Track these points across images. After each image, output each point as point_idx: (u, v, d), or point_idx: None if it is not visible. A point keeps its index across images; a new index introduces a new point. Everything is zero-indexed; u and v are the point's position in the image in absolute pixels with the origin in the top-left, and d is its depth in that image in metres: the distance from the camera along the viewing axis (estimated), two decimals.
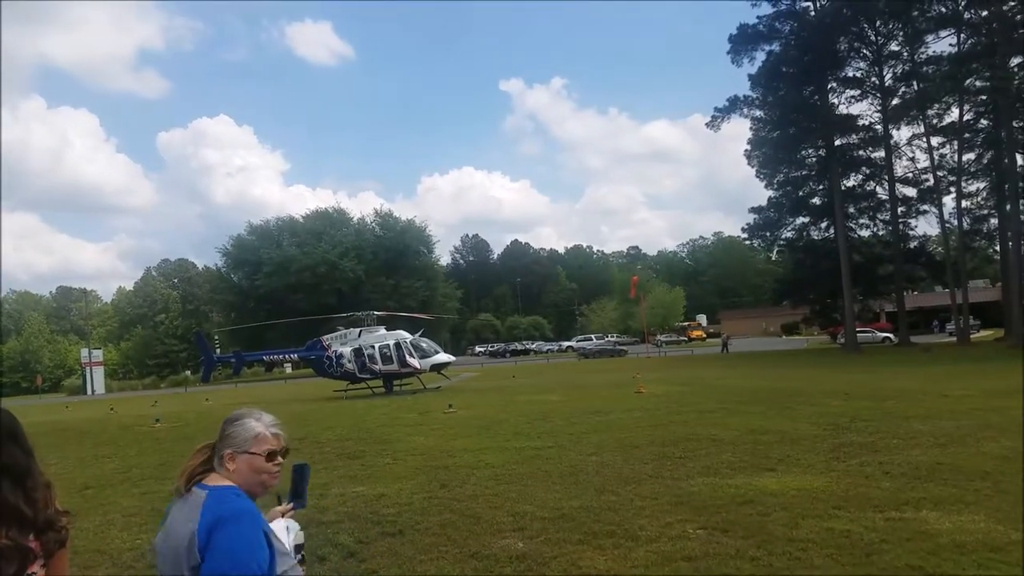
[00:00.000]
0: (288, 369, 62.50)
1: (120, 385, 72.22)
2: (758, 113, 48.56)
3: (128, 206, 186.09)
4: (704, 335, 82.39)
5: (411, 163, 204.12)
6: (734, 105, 47.85)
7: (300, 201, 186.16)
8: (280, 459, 2.16)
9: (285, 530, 2.21)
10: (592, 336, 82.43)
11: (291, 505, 2.50)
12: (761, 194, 76.73)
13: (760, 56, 46.53)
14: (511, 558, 5.73)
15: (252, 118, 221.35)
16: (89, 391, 64.44)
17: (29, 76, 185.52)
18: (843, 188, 46.55)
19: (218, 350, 49.60)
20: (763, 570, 5.10)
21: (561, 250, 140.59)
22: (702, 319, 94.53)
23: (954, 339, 45.28)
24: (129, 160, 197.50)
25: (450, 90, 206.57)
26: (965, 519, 6.00)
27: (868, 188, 48.87)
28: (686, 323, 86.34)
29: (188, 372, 70.69)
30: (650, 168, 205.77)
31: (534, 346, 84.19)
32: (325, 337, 31.02)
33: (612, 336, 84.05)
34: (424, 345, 30.04)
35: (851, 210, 47.81)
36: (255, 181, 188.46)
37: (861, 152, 47.93)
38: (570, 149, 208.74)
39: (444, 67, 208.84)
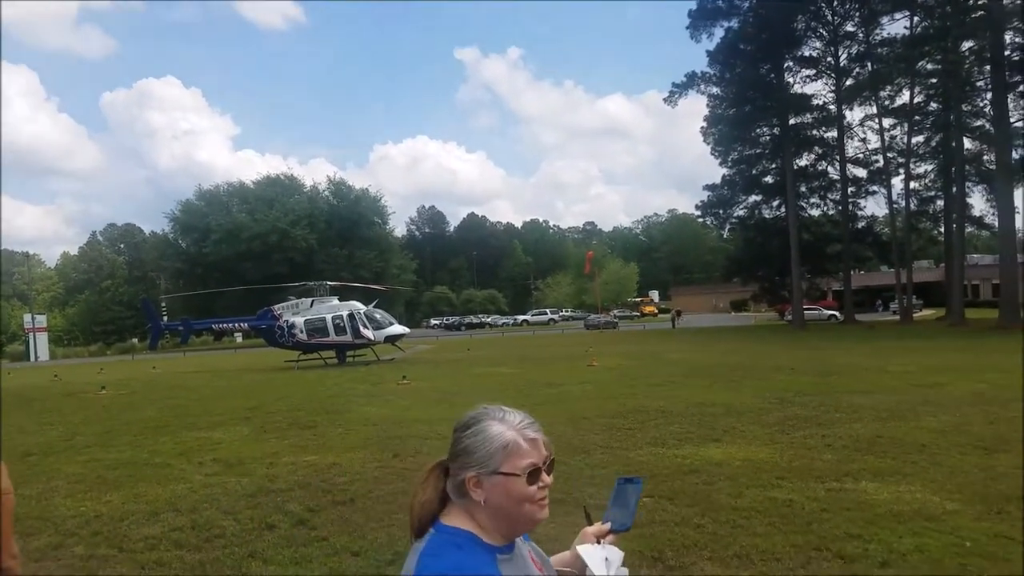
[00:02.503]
0: (238, 339, 61.38)
1: (65, 352, 70.07)
2: (715, 90, 48.93)
3: (71, 168, 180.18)
4: (656, 311, 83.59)
5: (363, 131, 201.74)
6: (692, 81, 48.07)
7: (249, 167, 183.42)
8: (547, 477, 1.43)
9: (604, 562, 1.54)
10: (547, 310, 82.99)
11: (609, 526, 1.69)
12: (715, 172, 77.84)
13: (719, 32, 46.89)
14: None
15: (201, 80, 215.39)
16: (32, 357, 62.38)
17: None
18: (795, 167, 47.29)
19: (165, 317, 48.31)
20: (707, 537, 5.20)
21: (518, 224, 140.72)
22: (654, 295, 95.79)
23: (898, 318, 46.78)
24: (72, 121, 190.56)
25: (404, 56, 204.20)
26: (902, 490, 6.21)
27: (820, 168, 49.83)
28: (639, 299, 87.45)
29: (135, 340, 68.99)
30: (605, 144, 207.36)
31: (489, 320, 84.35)
32: (276, 306, 30.50)
33: (567, 311, 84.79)
34: (378, 316, 29.81)
35: (803, 189, 48.71)
36: (202, 145, 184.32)
37: (814, 132, 48.78)
38: (525, 122, 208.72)
39: (398, 33, 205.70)
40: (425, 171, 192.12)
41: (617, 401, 12.76)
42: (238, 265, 67.96)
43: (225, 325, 36.43)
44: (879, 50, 44.51)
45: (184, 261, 75.68)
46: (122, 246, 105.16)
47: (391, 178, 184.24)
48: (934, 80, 42.53)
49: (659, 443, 8.74)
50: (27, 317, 66.79)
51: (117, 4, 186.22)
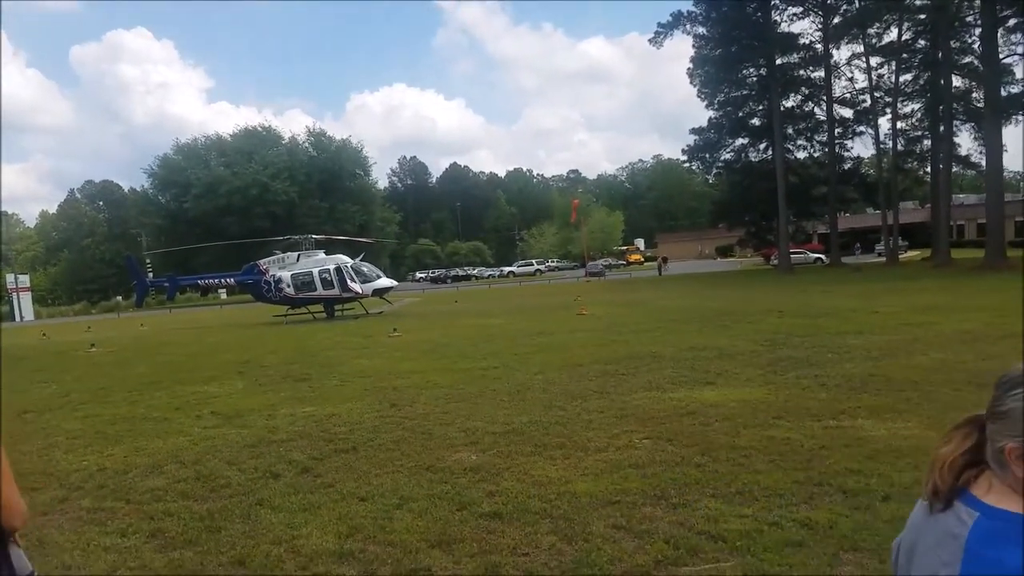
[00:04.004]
0: (223, 295, 61.05)
1: (50, 312, 69.46)
2: (701, 30, 48.18)
3: (43, 125, 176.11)
4: (642, 259, 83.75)
5: (339, 80, 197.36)
6: (677, 21, 47.33)
7: (225, 119, 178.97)
8: None
9: None
10: (533, 261, 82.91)
11: None
12: (699, 116, 77.39)
13: None
14: (465, 470, 5.82)
15: (172, 32, 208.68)
16: (17, 317, 61.95)
17: None
18: (782, 109, 46.93)
19: (150, 275, 47.93)
20: (708, 475, 5.30)
21: (501, 174, 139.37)
22: (640, 243, 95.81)
23: (884, 259, 47.17)
24: (42, 76, 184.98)
25: (379, 1, 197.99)
26: (899, 426, 6.33)
27: (807, 109, 49.49)
28: (624, 247, 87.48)
29: (119, 298, 68.45)
30: (587, 88, 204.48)
31: (475, 272, 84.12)
32: (262, 261, 30.27)
33: (553, 261, 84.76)
34: (365, 270, 29.68)
35: (789, 131, 48.46)
36: (176, 99, 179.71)
37: (801, 72, 48.39)
38: (504, 68, 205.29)
39: None
40: (404, 120, 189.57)
41: (609, 348, 12.86)
42: (219, 220, 67.27)
43: (211, 281, 36.14)
44: None
45: (165, 217, 74.77)
46: (101, 203, 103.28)
47: (369, 128, 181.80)
48: (922, 16, 41.89)
49: (654, 387, 8.83)
50: (10, 277, 66.02)
51: None
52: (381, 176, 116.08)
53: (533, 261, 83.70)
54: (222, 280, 35.22)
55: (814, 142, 49.88)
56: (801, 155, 50.82)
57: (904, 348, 10.64)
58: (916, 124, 46.37)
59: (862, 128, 47.98)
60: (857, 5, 44.51)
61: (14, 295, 63.78)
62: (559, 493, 5.09)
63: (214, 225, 66.12)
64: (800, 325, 14.43)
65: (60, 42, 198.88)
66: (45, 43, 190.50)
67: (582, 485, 5.23)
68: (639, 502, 4.81)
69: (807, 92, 48.99)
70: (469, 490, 5.30)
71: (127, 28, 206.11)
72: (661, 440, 6.33)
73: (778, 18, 47.32)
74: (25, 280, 66.59)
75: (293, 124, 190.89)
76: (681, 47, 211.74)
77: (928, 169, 46.76)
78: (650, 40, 49.44)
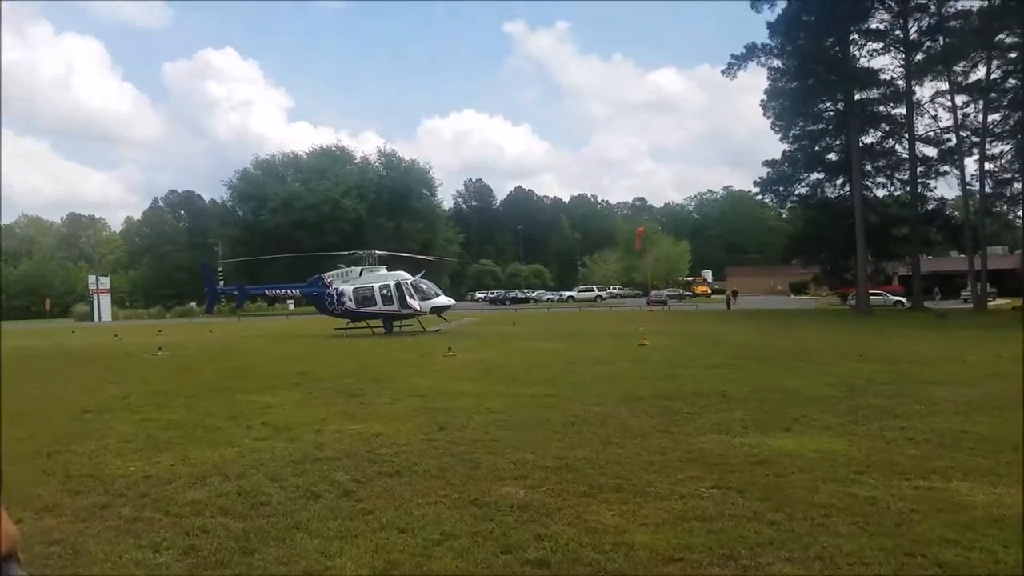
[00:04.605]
0: (291, 305, 62.39)
1: (127, 313, 72.38)
2: (776, 63, 47.16)
3: (135, 136, 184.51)
4: (709, 291, 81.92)
5: (411, 105, 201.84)
6: (751, 53, 46.40)
7: (302, 138, 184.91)
8: None
9: None
10: (594, 287, 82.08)
11: None
12: (772, 149, 75.52)
13: (781, 3, 44.98)
14: (512, 507, 5.41)
15: (258, 53, 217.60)
16: (96, 318, 64.74)
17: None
18: (861, 144, 45.26)
19: (222, 282, 49.43)
20: (783, 535, 4.76)
21: (566, 199, 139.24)
22: (708, 274, 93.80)
23: (970, 306, 44.65)
24: (135, 90, 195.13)
25: (452, 31, 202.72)
26: (1000, 492, 5.61)
27: (887, 145, 47.54)
28: (691, 278, 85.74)
29: (194, 303, 70.74)
30: (654, 118, 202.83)
31: (535, 294, 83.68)
32: (327, 274, 30.72)
33: (615, 288, 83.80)
34: (424, 287, 29.76)
35: (868, 168, 46.69)
36: (258, 116, 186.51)
37: (881, 108, 46.59)
38: (572, 96, 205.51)
39: (446, 7, 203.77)
40: (471, 144, 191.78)
41: (673, 383, 12.24)
42: (292, 233, 69.03)
43: (278, 291, 36.95)
44: (952, 23, 42.09)
45: (241, 228, 77.21)
46: (183, 212, 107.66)
47: (438, 151, 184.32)
48: (1012, 54, 39.96)
49: (722, 430, 8.23)
50: (92, 279, 69.14)
51: None
52: (447, 197, 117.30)
53: (594, 287, 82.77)
54: (288, 291, 35.93)
55: (895, 180, 47.90)
56: (881, 193, 48.92)
57: (998, 403, 9.71)
58: (1005, 166, 44.06)
59: (946, 168, 45.85)
60: (942, 42, 42.76)
61: (94, 296, 66.72)
62: (615, 543, 4.62)
63: (287, 238, 67.86)
64: (882, 371, 13.48)
65: (154, 59, 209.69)
66: (140, 59, 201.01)
67: (641, 536, 4.76)
68: (705, 561, 4.33)
69: (888, 129, 47.13)
70: (515, 531, 4.89)
71: (216, 48, 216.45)
72: (730, 491, 5.78)
73: (857, 53, 46.00)
74: (105, 282, 69.60)
75: (366, 145, 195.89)
76: (754, 79, 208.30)
77: (1019, 212, 44.33)
78: (723, 71, 48.72)
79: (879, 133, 47.52)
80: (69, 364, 18.97)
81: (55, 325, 58.19)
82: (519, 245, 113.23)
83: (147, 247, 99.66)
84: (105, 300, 68.12)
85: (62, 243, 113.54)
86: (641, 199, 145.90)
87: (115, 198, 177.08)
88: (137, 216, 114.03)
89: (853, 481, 6.00)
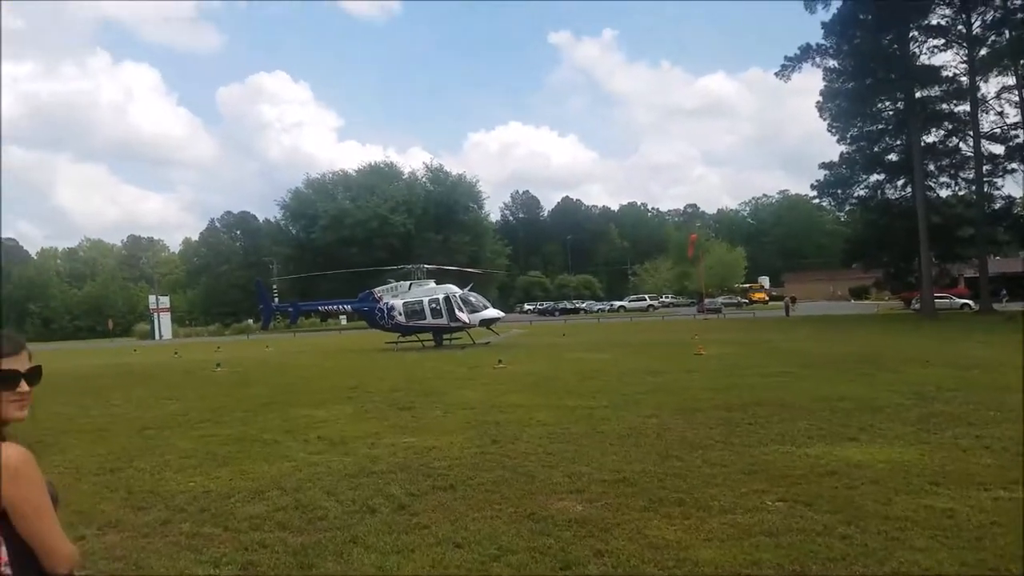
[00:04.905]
0: (343, 320, 63.35)
1: (187, 331, 74.32)
2: (832, 63, 45.97)
3: (190, 159, 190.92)
4: (766, 298, 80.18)
5: (457, 120, 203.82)
6: (806, 54, 45.37)
7: (351, 157, 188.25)
8: None
9: None
10: (646, 296, 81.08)
11: None
12: (828, 151, 73.34)
13: (836, 2, 43.91)
14: (570, 521, 5.28)
15: (308, 75, 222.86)
16: (157, 336, 66.80)
17: (93, 31, 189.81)
18: (923, 144, 43.79)
19: (276, 300, 50.52)
20: (856, 550, 4.53)
21: (614, 207, 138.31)
22: (765, 281, 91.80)
23: None
24: (190, 114, 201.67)
25: (497, 44, 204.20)
26: None
27: (950, 144, 45.79)
28: (747, 285, 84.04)
29: (250, 320, 72.35)
30: (705, 123, 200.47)
31: (584, 305, 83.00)
32: (377, 289, 31.09)
33: (667, 297, 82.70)
34: (473, 300, 29.84)
35: (930, 167, 45.15)
36: (308, 137, 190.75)
37: (944, 105, 44.86)
38: (620, 104, 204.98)
39: (491, 21, 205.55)
40: (518, 156, 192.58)
41: (732, 393, 11.89)
42: (342, 250, 70.29)
43: (330, 307, 37.59)
44: (1018, 15, 40.43)
45: (294, 247, 78.99)
46: (238, 232, 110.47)
47: (484, 165, 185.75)
48: None
49: (786, 440, 7.94)
50: (152, 298, 71.34)
51: (226, 4, 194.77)
52: (493, 210, 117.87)
53: (646, 296, 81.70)
54: (340, 307, 36.48)
55: (959, 179, 46.05)
56: (944, 193, 47.11)
57: None
58: None
59: (1014, 165, 43.88)
60: (1007, 36, 41.10)
61: (155, 315, 68.84)
62: (678, 560, 4.46)
63: (337, 255, 69.09)
64: (951, 377, 12.88)
65: (208, 83, 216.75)
66: (195, 84, 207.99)
67: (705, 552, 4.58)
68: None
69: (950, 127, 45.44)
70: (574, 546, 4.76)
71: (268, 71, 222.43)
72: (798, 504, 5.54)
73: (917, 50, 44.53)
74: (165, 301, 71.73)
75: (413, 160, 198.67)
76: (806, 81, 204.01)
77: None
78: (776, 73, 47.81)
79: (941, 132, 45.86)
80: (130, 382, 19.49)
81: (117, 344, 60.26)
82: (567, 256, 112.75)
83: (204, 267, 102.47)
84: (165, 319, 70.16)
85: (123, 264, 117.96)
86: (693, 206, 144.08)
87: (172, 219, 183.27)
88: (194, 237, 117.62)
89: (928, 492, 5.71)
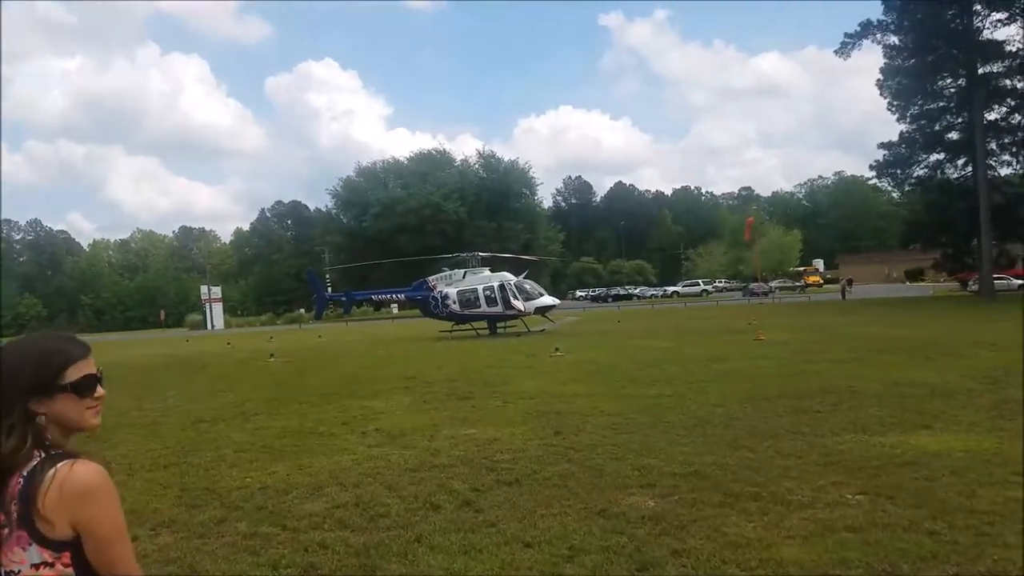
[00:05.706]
0: (395, 309, 63.82)
1: (239, 321, 75.10)
2: (892, 39, 44.27)
3: (240, 149, 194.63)
4: (821, 281, 78.12)
5: (507, 106, 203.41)
6: (866, 30, 43.87)
7: (402, 144, 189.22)
8: None
9: None
10: (700, 281, 79.74)
11: None
12: (886, 131, 70.80)
13: None
14: (643, 518, 5.08)
15: (356, 63, 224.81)
16: (209, 326, 67.93)
17: (143, 24, 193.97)
18: (985, 122, 41.95)
19: (329, 289, 51.18)
20: (946, 547, 4.26)
21: (668, 192, 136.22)
22: (819, 264, 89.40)
23: None
24: (240, 105, 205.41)
25: (547, 28, 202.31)
26: None
27: (1014, 121, 43.81)
28: (802, 268, 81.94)
29: (303, 310, 73.13)
30: (760, 103, 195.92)
31: (637, 291, 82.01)
32: (431, 278, 31.12)
33: (721, 282, 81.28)
34: (528, 287, 29.65)
35: (992, 146, 43.29)
36: (358, 125, 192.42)
37: (1007, 81, 42.86)
38: (673, 85, 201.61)
39: (540, 5, 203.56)
40: (569, 141, 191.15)
41: (798, 380, 11.52)
42: (395, 238, 70.63)
43: (383, 296, 37.83)
44: None
45: (345, 235, 79.63)
46: (289, 222, 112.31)
47: (535, 150, 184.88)
48: None
49: (859, 428, 7.62)
50: (204, 289, 72.71)
51: None
52: (546, 196, 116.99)
53: (699, 281, 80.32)
54: (393, 295, 36.69)
55: (1020, 157, 44.08)
56: (1006, 172, 45.23)
57: None
58: None
59: None
60: None
61: (207, 305, 70.13)
62: (761, 560, 4.25)
63: (390, 243, 69.42)
64: (1020, 360, 12.22)
65: (257, 74, 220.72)
66: (243, 75, 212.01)
67: (788, 551, 4.36)
68: None
69: (1014, 103, 43.36)
70: (649, 545, 4.58)
71: (316, 60, 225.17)
72: (879, 497, 5.28)
73: (980, 24, 42.42)
74: (217, 292, 72.91)
75: (464, 147, 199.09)
76: (863, 60, 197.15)
77: None
78: (836, 51, 46.47)
79: (1004, 108, 43.86)
80: (184, 373, 19.57)
81: (170, 334, 61.74)
82: (620, 241, 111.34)
83: (256, 256, 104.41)
84: (217, 309, 70.96)
85: (175, 255, 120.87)
86: (748, 188, 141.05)
87: (222, 210, 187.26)
88: (245, 227, 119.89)
89: (1012, 484, 5.41)
